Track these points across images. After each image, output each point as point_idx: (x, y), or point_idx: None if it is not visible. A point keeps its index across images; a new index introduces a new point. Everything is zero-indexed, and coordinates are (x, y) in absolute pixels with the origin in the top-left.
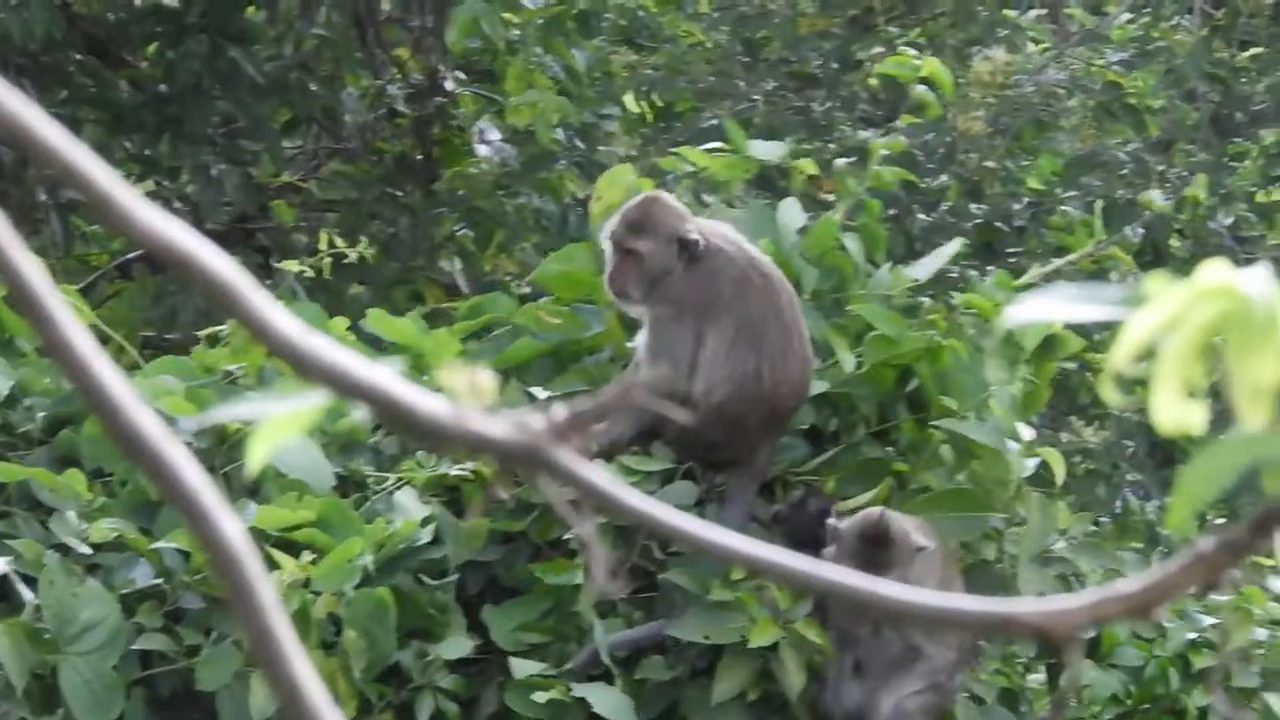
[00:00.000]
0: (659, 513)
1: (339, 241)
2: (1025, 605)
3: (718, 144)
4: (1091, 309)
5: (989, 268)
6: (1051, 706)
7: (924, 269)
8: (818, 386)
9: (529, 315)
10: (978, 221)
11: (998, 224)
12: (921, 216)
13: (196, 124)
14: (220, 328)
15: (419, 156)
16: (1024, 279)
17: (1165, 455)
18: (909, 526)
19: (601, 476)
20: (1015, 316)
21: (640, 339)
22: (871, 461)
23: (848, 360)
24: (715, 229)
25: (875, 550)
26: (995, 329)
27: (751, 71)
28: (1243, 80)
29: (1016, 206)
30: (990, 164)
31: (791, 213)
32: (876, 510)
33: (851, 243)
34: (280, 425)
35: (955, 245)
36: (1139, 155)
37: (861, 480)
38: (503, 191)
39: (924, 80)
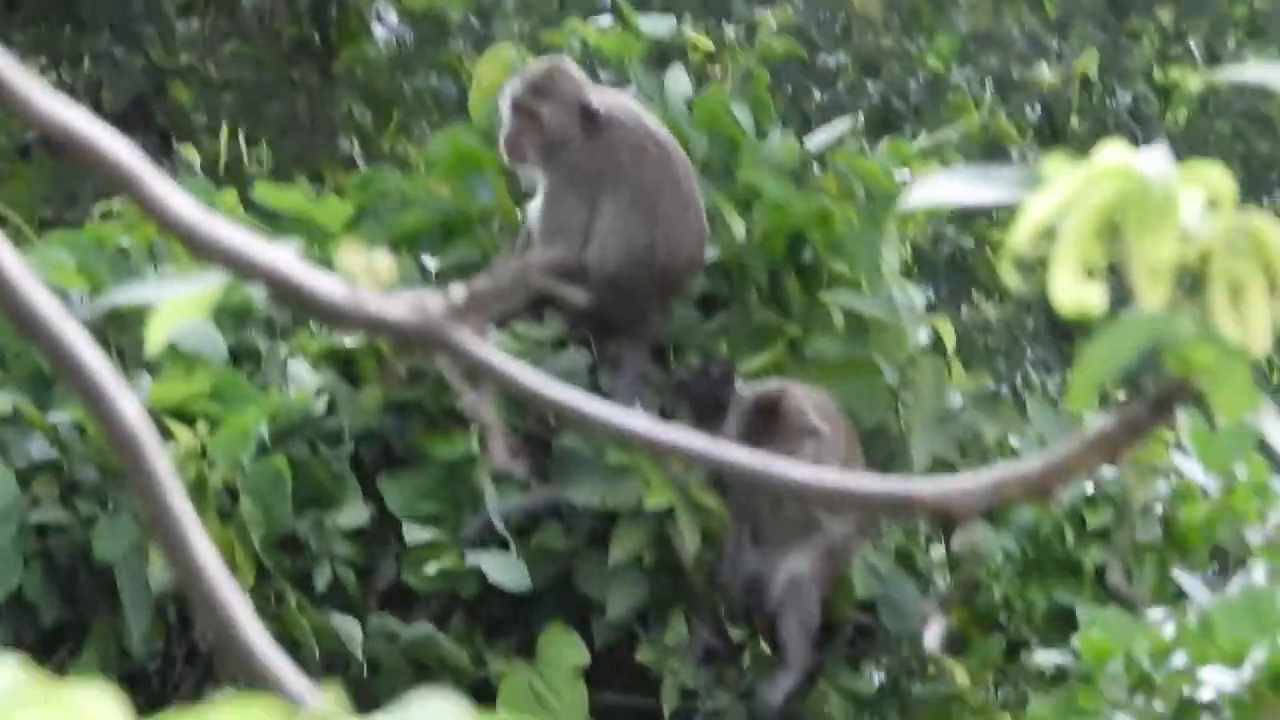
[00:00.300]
0: (557, 393)
1: (241, 141)
2: (926, 486)
3: (608, 20)
4: (990, 191)
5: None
6: (953, 582)
7: (815, 143)
8: (710, 253)
9: (419, 186)
10: (875, 101)
11: (895, 103)
12: (819, 95)
13: (95, 10)
14: (114, 203)
15: (316, 38)
16: (914, 146)
17: (1065, 330)
18: (808, 406)
19: (499, 356)
20: (913, 199)
21: (533, 207)
22: (764, 327)
23: (738, 227)
24: (614, 99)
25: (765, 423)
26: (885, 196)
27: None
28: None
29: (914, 85)
30: (887, 42)
31: (679, 82)
32: (777, 385)
33: (741, 112)
34: (179, 308)
35: (848, 122)
36: (1035, 34)
37: (754, 345)
38: (400, 72)
39: None
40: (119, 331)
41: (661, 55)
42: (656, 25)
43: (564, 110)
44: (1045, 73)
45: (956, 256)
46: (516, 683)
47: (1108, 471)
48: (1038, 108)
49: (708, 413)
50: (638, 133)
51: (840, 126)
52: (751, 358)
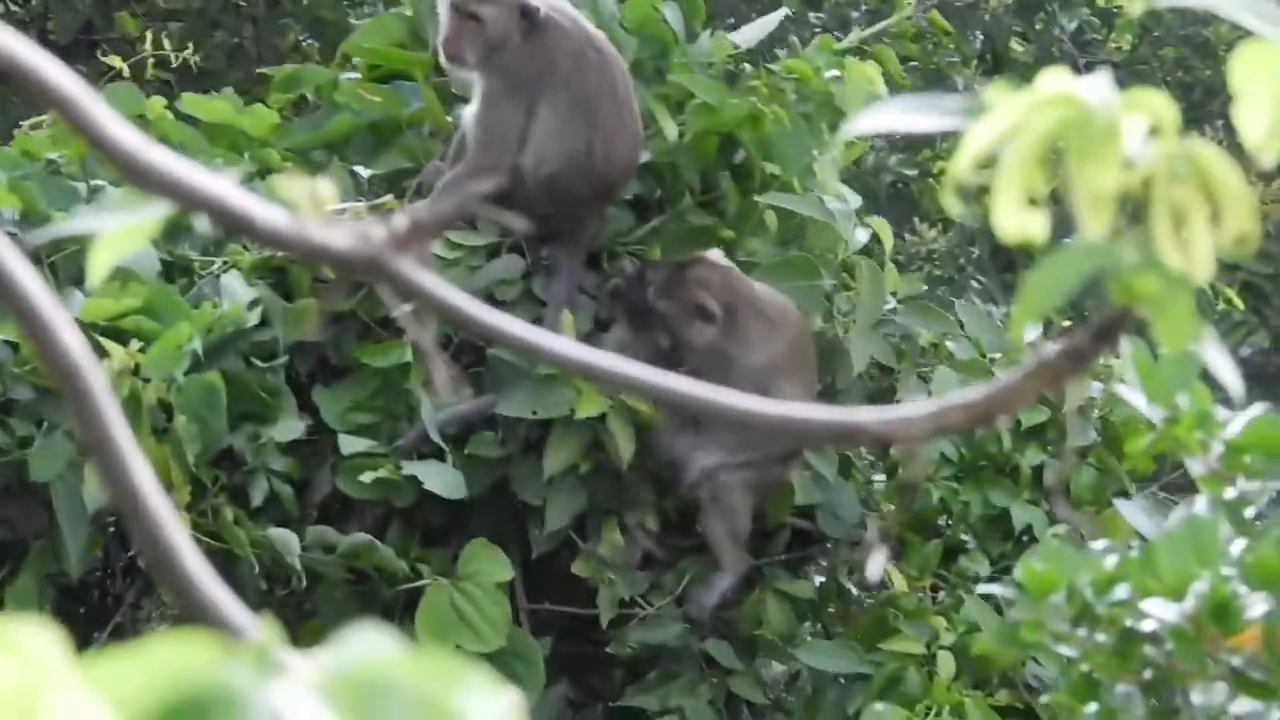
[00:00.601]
0: (497, 320)
1: (167, 44)
2: (869, 414)
3: None
4: (932, 119)
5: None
6: (890, 485)
7: (745, 36)
8: (642, 156)
9: (348, 92)
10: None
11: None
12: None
13: None
14: (43, 117)
15: None
16: (844, 43)
17: (1008, 259)
18: (709, 284)
19: (440, 284)
20: (855, 127)
21: (468, 111)
22: (697, 229)
23: (670, 129)
24: (552, 2)
25: (668, 294)
26: (817, 95)
27: None
28: None
29: (854, 14)
30: None
31: None
32: (698, 258)
33: (670, 11)
34: (120, 238)
35: (779, 14)
36: None
37: (687, 248)
38: (348, 1)
39: None
40: (51, 248)
41: None
42: None
43: (505, 11)
44: None
45: (899, 185)
46: (437, 598)
47: None
48: (979, 36)
49: (641, 318)
50: (577, 38)
51: (770, 19)
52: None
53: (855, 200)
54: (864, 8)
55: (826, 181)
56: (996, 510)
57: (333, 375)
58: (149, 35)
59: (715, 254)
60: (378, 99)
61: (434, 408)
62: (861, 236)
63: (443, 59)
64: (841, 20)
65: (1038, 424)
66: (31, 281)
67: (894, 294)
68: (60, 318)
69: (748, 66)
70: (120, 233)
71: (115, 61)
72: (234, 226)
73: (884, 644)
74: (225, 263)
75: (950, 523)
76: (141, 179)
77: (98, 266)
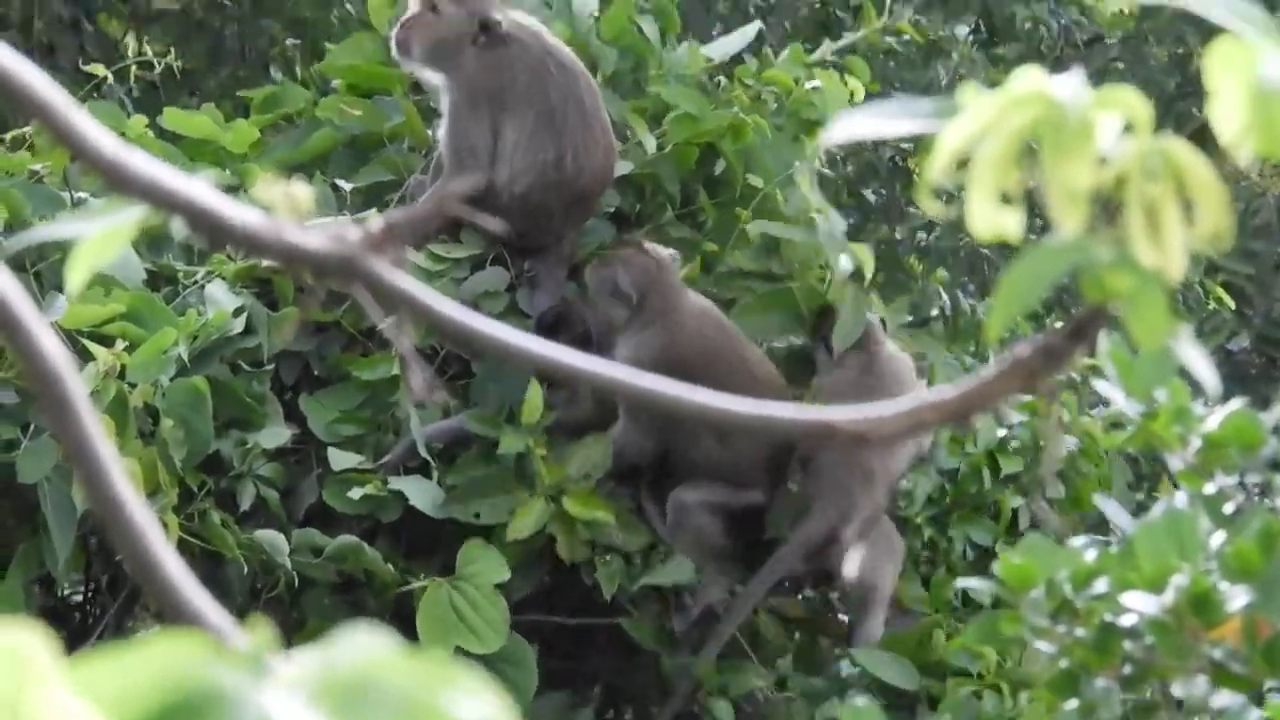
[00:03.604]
0: (475, 323)
1: (149, 50)
2: (843, 413)
3: None
4: (908, 122)
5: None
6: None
7: (720, 49)
8: (622, 168)
9: (329, 107)
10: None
11: (834, 9)
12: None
13: None
14: (25, 130)
15: None
16: (817, 55)
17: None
18: (621, 278)
19: (417, 286)
20: (833, 133)
21: (440, 130)
22: (679, 241)
23: (649, 141)
24: (515, 18)
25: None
26: (795, 104)
27: None
28: None
29: None
30: None
31: None
32: (620, 250)
33: (647, 24)
34: (99, 243)
35: (753, 28)
36: None
37: None
38: (329, 1)
39: None
40: (35, 256)
41: None
42: None
43: (465, 15)
44: None
45: (896, 160)
46: (436, 598)
47: (1017, 418)
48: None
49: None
50: (537, 52)
51: (747, 32)
52: None
53: (840, 223)
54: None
55: (807, 198)
56: (979, 549)
57: (317, 385)
58: (131, 38)
59: (659, 249)
60: (358, 113)
61: (420, 421)
62: (845, 261)
63: (392, 44)
64: (820, 25)
65: (1015, 470)
66: (9, 285)
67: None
68: (38, 322)
69: (724, 79)
70: (100, 237)
71: (98, 69)
72: (210, 229)
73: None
74: (209, 272)
75: (935, 560)
76: (119, 183)
77: (78, 271)
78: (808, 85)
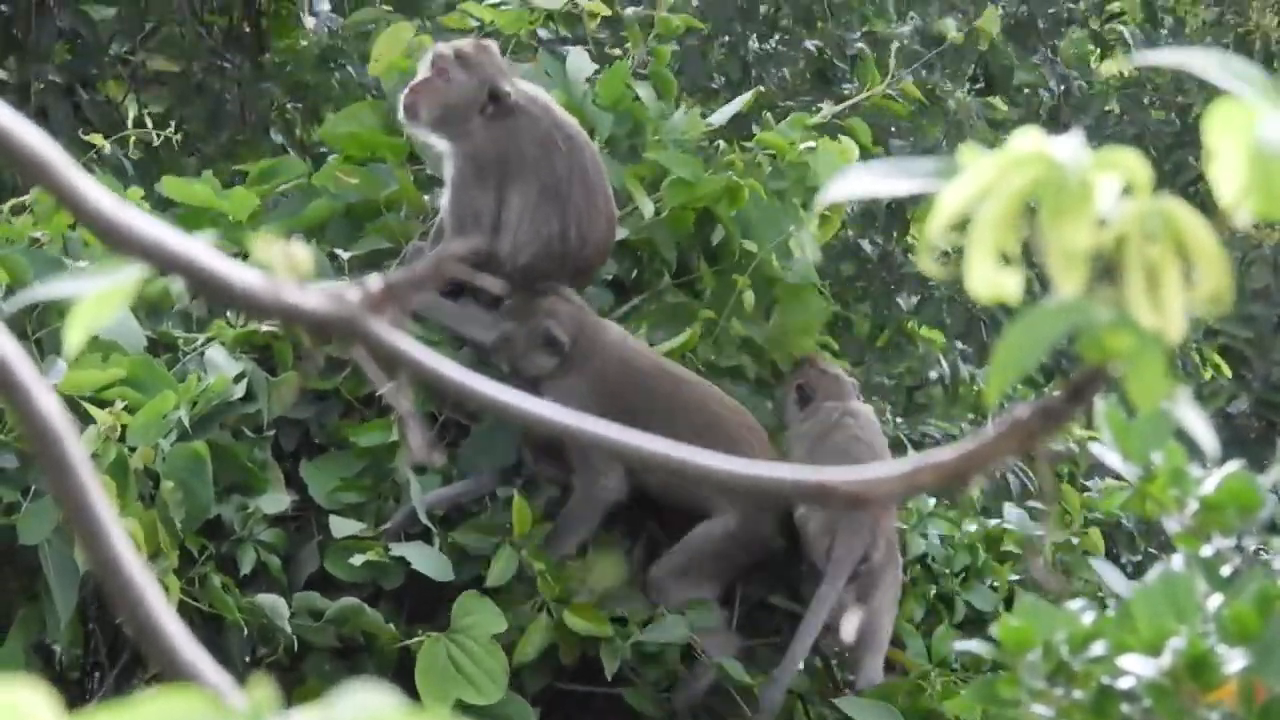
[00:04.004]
0: (474, 382)
1: (148, 119)
2: (840, 474)
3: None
4: (906, 182)
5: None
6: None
7: (719, 116)
8: (618, 233)
9: (325, 177)
10: (812, 51)
11: (832, 58)
12: (755, 47)
13: (42, 43)
14: (25, 198)
15: (247, 28)
16: (816, 118)
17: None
18: (562, 320)
19: (415, 346)
20: (832, 194)
21: (443, 198)
22: (678, 306)
23: (646, 206)
24: (524, 90)
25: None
26: (792, 169)
27: None
28: None
29: (851, 36)
30: None
31: (580, 62)
32: (553, 299)
33: (644, 90)
34: (98, 303)
35: (748, 96)
36: None
37: (670, 325)
38: (330, 65)
39: None
40: (36, 322)
41: (564, 30)
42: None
43: (475, 84)
44: (949, 25)
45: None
46: (433, 652)
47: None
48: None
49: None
50: (545, 125)
51: (742, 99)
52: (668, 338)
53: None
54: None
55: (810, 268)
56: (977, 613)
57: (317, 452)
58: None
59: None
60: (355, 180)
61: (420, 488)
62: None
63: (400, 108)
64: (838, 44)
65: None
66: (9, 345)
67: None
68: (37, 382)
69: (722, 144)
70: (100, 296)
71: (96, 139)
72: (210, 288)
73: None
74: (209, 339)
75: (937, 620)
76: (118, 242)
77: (77, 329)
78: (802, 147)
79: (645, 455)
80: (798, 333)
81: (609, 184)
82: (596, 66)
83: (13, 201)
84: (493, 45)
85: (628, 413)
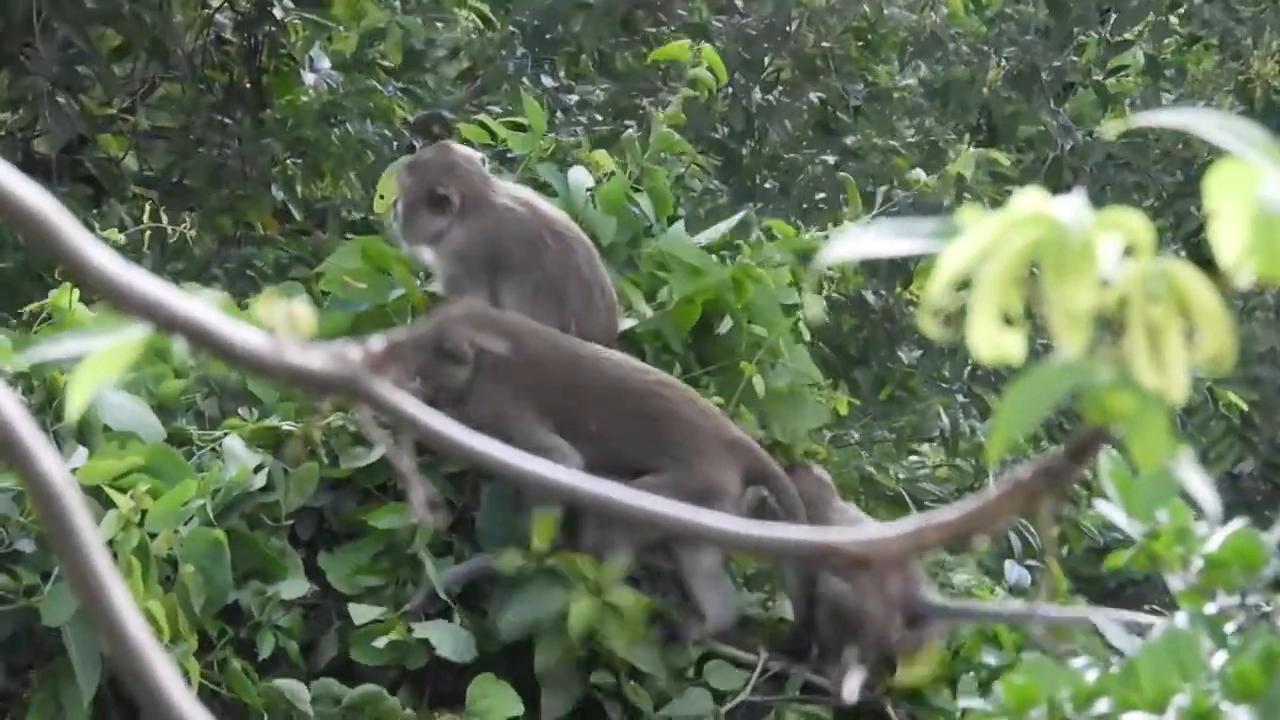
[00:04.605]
0: (475, 443)
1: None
2: (845, 534)
3: (516, 119)
4: (907, 243)
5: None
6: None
7: (708, 235)
8: (625, 323)
9: (333, 281)
10: (814, 102)
11: (835, 110)
12: (759, 98)
13: (38, 58)
14: (42, 302)
15: (247, 85)
16: (807, 236)
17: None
18: (481, 333)
19: (418, 406)
20: (831, 254)
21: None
22: None
23: (645, 311)
24: (508, 189)
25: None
26: (784, 282)
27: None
28: None
29: (854, 88)
30: (827, 44)
31: (580, 176)
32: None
33: (643, 201)
34: (103, 361)
35: (740, 215)
36: (975, 44)
37: None
38: (330, 121)
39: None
40: (54, 418)
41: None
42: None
43: (420, 187)
44: (919, 174)
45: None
46: None
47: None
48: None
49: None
50: (532, 224)
51: (733, 219)
52: None
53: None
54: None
55: (813, 367)
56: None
57: (333, 540)
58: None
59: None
60: (363, 286)
61: (436, 569)
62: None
63: (401, 244)
64: (840, 97)
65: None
66: (11, 408)
67: None
68: (41, 445)
69: (714, 257)
70: (102, 356)
71: (113, 234)
72: (214, 348)
73: None
74: (225, 432)
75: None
76: (121, 301)
77: (80, 390)
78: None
79: (652, 514)
80: (795, 434)
81: (606, 276)
82: (595, 180)
83: (32, 306)
84: (455, 147)
85: (566, 396)
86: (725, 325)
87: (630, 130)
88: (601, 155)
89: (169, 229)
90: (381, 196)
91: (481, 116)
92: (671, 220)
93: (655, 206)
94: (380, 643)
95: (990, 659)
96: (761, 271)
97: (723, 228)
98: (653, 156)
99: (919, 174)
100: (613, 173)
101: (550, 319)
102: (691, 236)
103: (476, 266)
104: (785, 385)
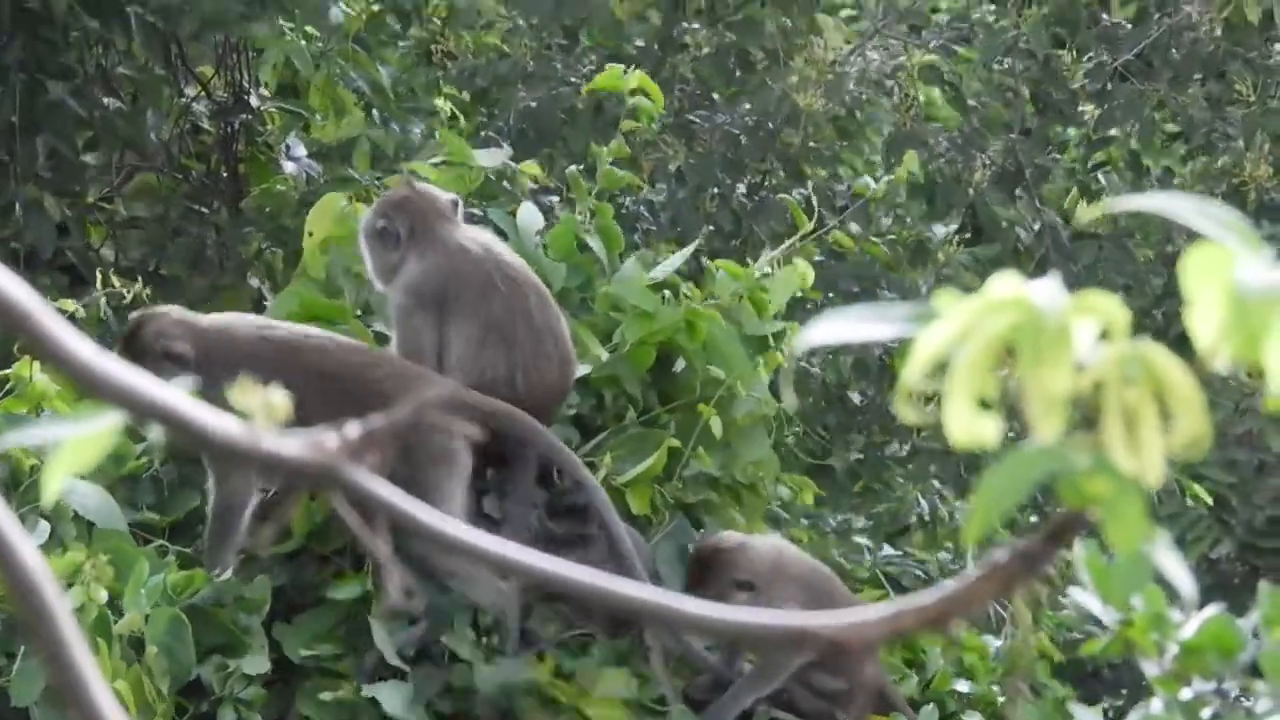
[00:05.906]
0: (451, 529)
1: (115, 281)
2: (820, 619)
3: (441, 159)
4: (885, 327)
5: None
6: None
7: (662, 270)
8: (583, 369)
9: None
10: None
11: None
12: (742, 199)
13: (23, 162)
14: (5, 371)
15: (224, 173)
16: (759, 263)
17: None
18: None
19: (394, 493)
20: (808, 340)
21: (392, 339)
22: (644, 435)
23: (601, 354)
24: (467, 231)
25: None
26: (737, 317)
27: (569, 54)
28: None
29: (840, 188)
30: (814, 144)
31: (530, 215)
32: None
33: (594, 241)
34: (78, 449)
35: (690, 249)
36: (956, 140)
37: (637, 454)
38: (308, 209)
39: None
40: (22, 501)
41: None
42: (488, 158)
43: (370, 219)
44: (868, 181)
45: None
46: None
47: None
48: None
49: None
50: (485, 266)
51: (684, 253)
52: (636, 465)
53: (792, 400)
54: (847, 182)
55: (778, 400)
56: None
57: (292, 610)
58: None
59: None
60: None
61: (386, 633)
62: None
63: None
64: (826, 195)
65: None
66: (11, 528)
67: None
68: (20, 536)
69: (667, 293)
70: (76, 443)
71: (67, 305)
72: (188, 435)
73: None
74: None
75: None
76: (97, 389)
77: (54, 478)
78: (758, 274)
79: (623, 597)
80: (753, 471)
81: (562, 324)
82: (544, 222)
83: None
84: (415, 185)
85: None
86: (680, 365)
87: (573, 167)
88: (529, 165)
89: None
90: (310, 234)
91: (413, 163)
92: (623, 256)
93: (606, 244)
94: (326, 696)
95: (962, 687)
96: (713, 312)
97: (675, 262)
98: (600, 193)
99: (866, 181)
100: (559, 199)
101: (498, 368)
102: (640, 269)
103: (428, 301)
104: (743, 416)
